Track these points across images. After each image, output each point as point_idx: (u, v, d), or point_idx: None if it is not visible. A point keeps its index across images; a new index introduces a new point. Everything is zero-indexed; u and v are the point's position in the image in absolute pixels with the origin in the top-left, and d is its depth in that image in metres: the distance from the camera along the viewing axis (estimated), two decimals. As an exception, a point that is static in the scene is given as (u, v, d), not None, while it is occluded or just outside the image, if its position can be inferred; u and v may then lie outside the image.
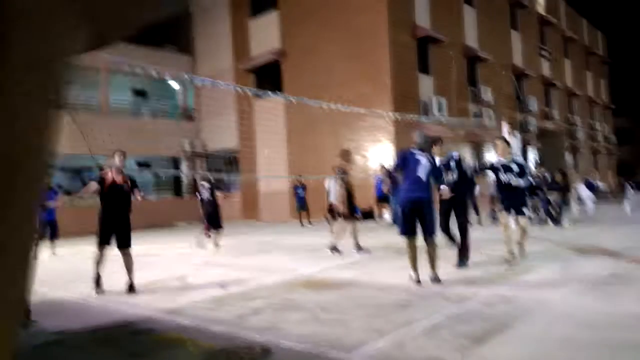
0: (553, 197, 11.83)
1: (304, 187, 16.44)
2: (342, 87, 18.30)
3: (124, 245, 6.49)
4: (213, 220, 10.80)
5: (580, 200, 15.45)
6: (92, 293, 6.33)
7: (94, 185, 6.54)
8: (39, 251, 6.52)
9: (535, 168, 12.96)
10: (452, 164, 7.07)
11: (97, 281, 6.44)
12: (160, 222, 20.88)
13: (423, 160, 5.85)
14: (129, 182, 6.81)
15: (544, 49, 29.42)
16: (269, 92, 12.25)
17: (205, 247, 11.11)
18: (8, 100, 0.46)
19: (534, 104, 25.81)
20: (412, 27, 18.60)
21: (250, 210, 22.13)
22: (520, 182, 6.87)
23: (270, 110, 16.20)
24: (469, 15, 22.39)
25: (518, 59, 26.11)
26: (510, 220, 7.06)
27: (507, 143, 7.36)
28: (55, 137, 0.54)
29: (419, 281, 5.58)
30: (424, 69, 19.38)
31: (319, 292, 5.61)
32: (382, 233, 11.68)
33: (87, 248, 12.57)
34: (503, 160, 7.08)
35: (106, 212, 6.50)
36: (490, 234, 10.22)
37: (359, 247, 8.73)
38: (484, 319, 4.10)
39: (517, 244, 6.97)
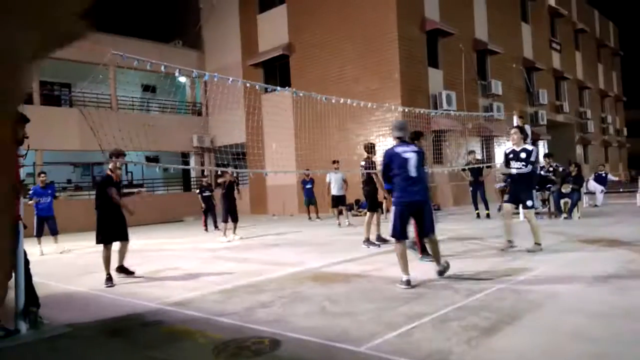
0: (565, 189, 11.71)
1: (312, 182, 16.43)
2: (351, 81, 18.24)
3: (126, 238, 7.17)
4: (232, 213, 11.82)
5: (590, 192, 15.30)
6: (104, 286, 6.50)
7: (114, 191, 7.01)
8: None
9: (545, 159, 12.82)
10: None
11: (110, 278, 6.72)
12: (169, 217, 21.01)
13: (410, 155, 5.47)
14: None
15: (555, 41, 29.09)
16: (277, 87, 12.24)
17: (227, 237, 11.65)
18: None
19: (544, 97, 25.55)
20: (421, 21, 18.46)
21: (259, 205, 22.18)
22: (523, 168, 7.22)
23: (278, 104, 16.17)
24: (479, 8, 22.17)
25: (529, 52, 25.83)
26: (509, 209, 7.42)
27: (523, 132, 7.61)
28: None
29: (409, 282, 5.22)
30: (434, 62, 19.24)
31: (328, 286, 5.61)
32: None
33: (92, 243, 12.68)
34: (515, 148, 7.43)
35: (111, 210, 6.92)
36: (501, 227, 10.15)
37: (381, 240, 8.83)
38: (493, 312, 4.08)
39: (533, 234, 7.21)
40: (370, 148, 9.34)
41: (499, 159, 18.73)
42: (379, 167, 8.14)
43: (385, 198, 13.60)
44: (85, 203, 19.67)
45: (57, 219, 11.66)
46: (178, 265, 8.13)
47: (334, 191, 13.55)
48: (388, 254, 7.48)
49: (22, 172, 4.70)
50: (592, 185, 15.24)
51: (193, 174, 24.04)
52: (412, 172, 5.41)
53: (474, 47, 21.35)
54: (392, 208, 5.55)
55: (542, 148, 26.07)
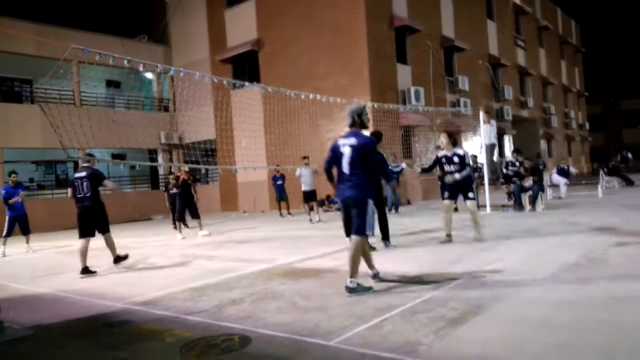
0: (527, 182, 12.02)
1: (282, 177, 16.39)
2: (321, 77, 18.24)
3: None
4: (192, 211, 11.97)
5: (554, 185, 15.75)
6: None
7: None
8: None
9: (512, 155, 13.16)
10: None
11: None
12: (137, 216, 20.63)
13: (346, 148, 4.87)
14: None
15: (520, 38, 29.76)
16: (246, 83, 12.16)
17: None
18: None
19: (509, 93, 26.14)
20: (389, 17, 18.60)
21: (229, 202, 22.00)
22: (456, 176, 7.57)
23: (248, 100, 16.05)
24: (446, 5, 22.48)
25: (494, 48, 26.35)
26: (449, 206, 7.80)
27: (452, 137, 7.87)
28: None
29: (374, 276, 5.13)
30: (402, 58, 19.42)
31: (299, 281, 5.61)
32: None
33: (60, 243, 12.37)
34: (447, 153, 7.76)
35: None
36: (464, 221, 10.35)
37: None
38: (460, 303, 4.15)
39: (474, 225, 7.69)
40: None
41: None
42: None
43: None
44: (49, 202, 19.15)
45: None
46: (146, 264, 7.99)
47: (305, 187, 13.54)
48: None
49: None
50: (556, 178, 15.68)
51: (161, 171, 23.64)
52: (344, 167, 4.87)
53: (441, 44, 21.65)
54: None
55: (508, 143, 26.67)
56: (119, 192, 16.60)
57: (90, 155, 7.98)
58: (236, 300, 4.90)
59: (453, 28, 22.72)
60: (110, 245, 7.72)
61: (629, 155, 20.39)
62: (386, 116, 16.14)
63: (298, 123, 16.55)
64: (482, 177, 12.96)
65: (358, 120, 5.02)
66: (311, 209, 13.57)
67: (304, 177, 13.47)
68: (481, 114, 12.83)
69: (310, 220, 13.32)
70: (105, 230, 7.61)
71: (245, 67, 21.34)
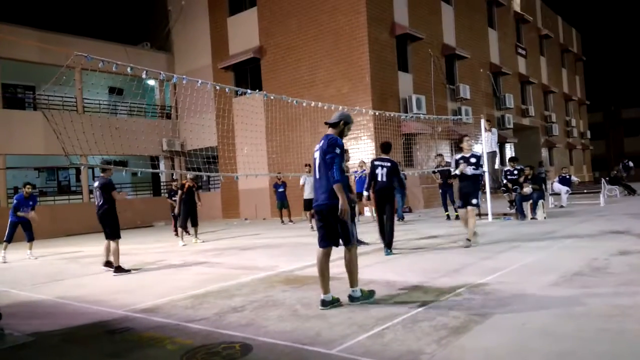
0: (527, 189, 12.00)
1: (284, 185, 16.39)
2: (322, 85, 18.30)
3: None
4: (193, 218, 12.08)
5: (555, 194, 15.72)
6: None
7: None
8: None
9: (509, 163, 13.17)
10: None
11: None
12: (139, 222, 20.63)
13: (316, 153, 4.75)
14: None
15: (521, 46, 29.85)
16: (248, 90, 12.20)
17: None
18: None
19: (510, 101, 26.17)
20: (390, 25, 18.68)
21: (231, 209, 22.00)
22: (467, 170, 8.02)
23: (250, 108, 16.09)
24: (447, 14, 22.58)
25: (495, 57, 26.43)
26: (465, 215, 8.12)
27: (469, 141, 8.62)
28: None
29: (323, 303, 4.56)
30: (403, 66, 19.48)
31: (300, 289, 5.59)
32: (364, 231, 11.71)
33: (61, 249, 12.37)
34: (465, 154, 8.25)
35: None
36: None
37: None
38: (462, 311, 4.13)
39: (467, 229, 8.03)
40: (387, 148, 8.60)
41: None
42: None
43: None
44: (51, 209, 19.18)
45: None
46: (147, 271, 7.98)
47: (306, 195, 13.52)
48: (361, 256, 7.51)
49: None
50: (557, 186, 15.66)
51: (163, 178, 23.68)
52: (316, 173, 4.75)
53: (442, 52, 21.73)
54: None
55: (509, 151, 26.67)
56: (124, 199, 16.68)
57: (107, 166, 8.40)
58: (237, 307, 4.89)
59: (454, 36, 22.80)
60: (115, 252, 7.94)
61: (631, 164, 20.40)
62: (387, 124, 16.17)
63: (299, 130, 16.58)
64: (483, 185, 12.95)
65: (342, 127, 4.81)
66: (312, 216, 13.54)
67: (307, 185, 13.46)
68: (482, 122, 12.85)
69: (312, 227, 13.29)
70: (111, 237, 8.01)
71: (247, 74, 21.43)
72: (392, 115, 14.88)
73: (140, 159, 22.46)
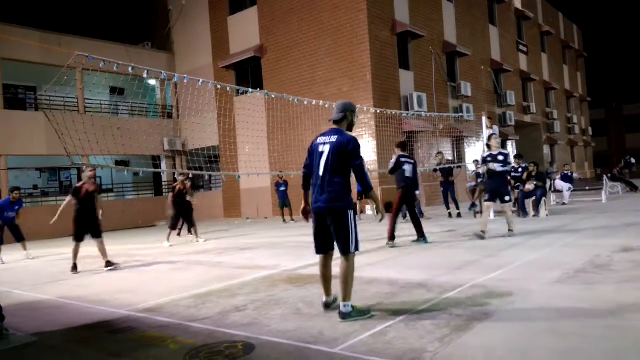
0: (529, 185, 11.98)
1: (285, 184, 16.38)
2: (323, 83, 18.28)
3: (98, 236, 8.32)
4: (186, 219, 12.35)
5: (557, 191, 15.70)
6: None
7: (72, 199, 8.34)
8: None
9: (514, 160, 13.14)
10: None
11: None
12: (140, 222, 20.65)
13: (325, 147, 4.26)
14: (99, 189, 8.59)
15: (522, 43, 29.78)
16: (249, 89, 12.19)
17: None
18: None
19: (512, 98, 26.12)
20: (391, 23, 18.65)
21: (232, 208, 22.01)
22: (497, 167, 8.47)
23: (251, 107, 16.09)
24: (448, 11, 22.53)
25: (496, 54, 26.38)
26: (488, 206, 8.79)
27: (498, 139, 8.96)
28: None
29: (326, 305, 4.42)
30: (405, 64, 19.45)
31: (303, 288, 5.58)
32: (365, 229, 11.70)
33: (64, 250, 12.41)
34: (493, 152, 8.68)
35: (83, 213, 8.22)
36: (471, 224, 10.33)
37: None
38: (465, 309, 4.12)
39: (508, 222, 8.70)
40: (404, 147, 8.98)
41: (469, 159, 19.07)
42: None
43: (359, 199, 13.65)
44: (53, 209, 19.17)
45: (23, 226, 11.49)
46: (149, 271, 7.98)
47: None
48: (364, 254, 7.50)
49: None
50: (559, 184, 15.63)
51: (164, 178, 23.69)
52: (320, 170, 4.23)
53: (443, 50, 21.69)
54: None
55: (511, 148, 26.63)
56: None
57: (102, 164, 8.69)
58: (240, 307, 4.88)
59: (455, 34, 22.75)
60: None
61: (633, 160, 20.34)
62: (389, 122, 16.15)
63: (301, 129, 16.57)
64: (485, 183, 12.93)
65: (350, 117, 4.41)
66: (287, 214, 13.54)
67: None
68: (484, 119, 12.83)
69: (284, 221, 13.30)
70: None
71: (248, 73, 21.42)
72: (393, 113, 14.86)
73: (142, 158, 22.49)
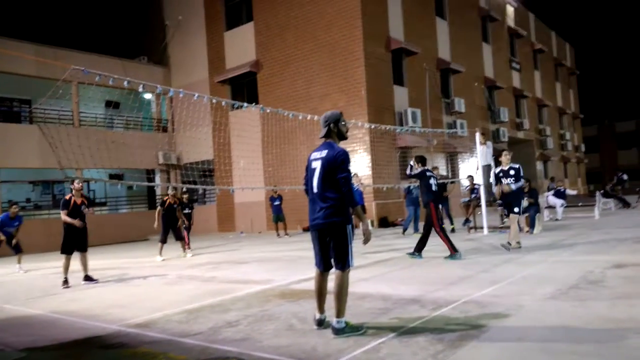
0: (524, 203, 12.01)
1: (280, 198, 16.38)
2: (318, 98, 18.38)
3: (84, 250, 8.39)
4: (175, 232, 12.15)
5: (550, 207, 15.76)
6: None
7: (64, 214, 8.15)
8: None
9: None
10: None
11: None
12: (133, 236, 20.51)
13: (317, 163, 4.26)
14: (86, 201, 8.42)
15: (515, 60, 30.13)
16: (244, 103, 12.24)
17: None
18: None
19: (505, 114, 26.35)
20: (386, 40, 18.84)
21: (226, 222, 21.92)
22: (512, 186, 8.75)
23: (246, 121, 16.16)
24: (442, 28, 22.81)
25: (490, 71, 26.66)
26: (515, 219, 8.93)
27: (507, 156, 9.22)
28: None
29: (319, 323, 4.33)
30: (399, 80, 19.62)
31: (296, 303, 5.56)
32: (358, 243, 11.67)
33: (57, 263, 12.29)
34: (504, 167, 8.97)
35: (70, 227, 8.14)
36: (467, 240, 10.35)
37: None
38: (459, 325, 4.12)
39: (510, 234, 8.89)
40: (423, 161, 9.06)
41: (463, 174, 19.16)
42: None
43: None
44: (46, 222, 19.05)
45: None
46: (141, 285, 7.92)
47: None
48: (357, 269, 7.49)
49: None
50: (552, 200, 15.70)
51: (158, 191, 23.60)
52: (314, 186, 4.24)
53: (437, 66, 21.91)
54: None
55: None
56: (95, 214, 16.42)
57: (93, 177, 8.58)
58: (232, 322, 4.85)
59: (449, 51, 23.01)
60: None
61: (625, 177, 20.48)
62: (383, 137, 16.24)
63: (296, 144, 16.62)
64: (479, 199, 12.99)
65: (334, 129, 4.39)
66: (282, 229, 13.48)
67: None
68: (477, 135, 12.92)
69: (278, 235, 13.25)
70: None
71: (243, 88, 21.52)
72: (387, 128, 14.95)
73: (136, 172, 22.40)
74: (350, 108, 17.53)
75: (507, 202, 8.93)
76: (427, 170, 8.78)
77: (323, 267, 4.30)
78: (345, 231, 4.16)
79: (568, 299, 4.82)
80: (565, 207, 15.83)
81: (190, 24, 23.46)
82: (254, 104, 13.27)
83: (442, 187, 13.54)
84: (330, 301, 4.25)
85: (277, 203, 16.38)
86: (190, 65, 23.42)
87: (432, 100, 21.00)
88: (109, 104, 21.89)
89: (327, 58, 18.39)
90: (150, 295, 6.99)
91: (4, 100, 20.65)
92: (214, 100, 10.28)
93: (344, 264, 4.16)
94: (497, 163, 9.34)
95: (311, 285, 4.53)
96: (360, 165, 17.24)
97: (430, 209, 8.45)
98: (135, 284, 8.16)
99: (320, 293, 4.34)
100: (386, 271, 7.42)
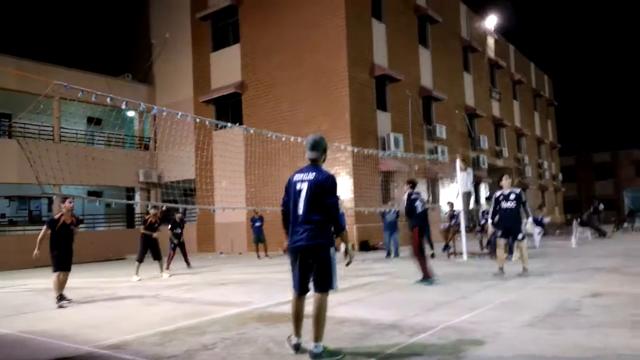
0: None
1: (261, 219, 16.28)
2: (303, 121, 18.49)
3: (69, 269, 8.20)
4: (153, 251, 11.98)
5: (528, 235, 15.93)
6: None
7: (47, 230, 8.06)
8: None
9: (486, 203, 13.38)
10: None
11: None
12: (110, 255, 20.11)
13: (303, 184, 4.24)
14: (75, 221, 8.33)
15: (495, 90, 30.83)
16: (229, 124, 12.25)
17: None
18: None
19: (485, 142, 26.82)
20: (370, 66, 19.14)
21: (206, 242, 21.67)
22: (514, 205, 8.82)
23: (230, 141, 16.10)
24: (424, 57, 23.29)
25: (470, 99, 27.20)
26: (503, 244, 9.13)
27: (509, 179, 9.26)
28: None
29: (296, 347, 4.26)
30: (382, 106, 19.88)
31: (274, 326, 5.49)
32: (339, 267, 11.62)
33: (30, 281, 11.97)
34: (504, 192, 9.01)
35: (58, 245, 8.05)
36: (446, 266, 10.38)
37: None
38: (436, 351, 4.11)
39: (522, 260, 8.96)
40: (414, 184, 9.13)
41: (443, 200, 19.34)
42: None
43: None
44: (20, 238, 18.58)
45: None
46: (116, 306, 7.74)
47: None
48: (336, 293, 7.46)
49: None
50: (530, 228, 15.87)
51: (137, 210, 23.28)
52: (300, 208, 4.21)
53: (419, 94, 22.28)
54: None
55: (484, 191, 27.14)
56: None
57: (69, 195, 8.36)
58: (208, 345, 4.77)
59: (431, 79, 23.46)
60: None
61: (601, 206, 20.89)
62: (366, 161, 16.34)
63: (278, 165, 16.62)
64: (458, 224, 13.09)
65: (324, 156, 4.46)
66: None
67: None
68: (458, 161, 13.09)
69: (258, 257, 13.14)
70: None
71: (228, 108, 21.55)
72: (370, 152, 15.07)
73: (115, 189, 22.10)
74: (334, 131, 17.65)
75: (508, 230, 8.94)
76: (413, 193, 8.69)
77: (300, 290, 4.28)
78: (329, 253, 4.17)
79: (545, 327, 4.86)
80: (543, 235, 16.04)
81: (176, 43, 23.53)
82: (237, 124, 13.28)
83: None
84: (307, 325, 4.21)
85: (258, 224, 16.28)
86: (175, 84, 23.41)
87: (414, 126, 21.29)
88: (90, 120, 21.67)
89: (312, 82, 18.58)
90: (124, 315, 6.83)
91: (-18, 113, 20.32)
92: (197, 120, 10.26)
93: (325, 286, 4.16)
94: (499, 187, 9.34)
95: (289, 309, 4.47)
96: (343, 188, 17.29)
97: (414, 234, 8.43)
98: (109, 304, 7.97)
99: (298, 317, 4.29)
100: (365, 295, 7.39)
